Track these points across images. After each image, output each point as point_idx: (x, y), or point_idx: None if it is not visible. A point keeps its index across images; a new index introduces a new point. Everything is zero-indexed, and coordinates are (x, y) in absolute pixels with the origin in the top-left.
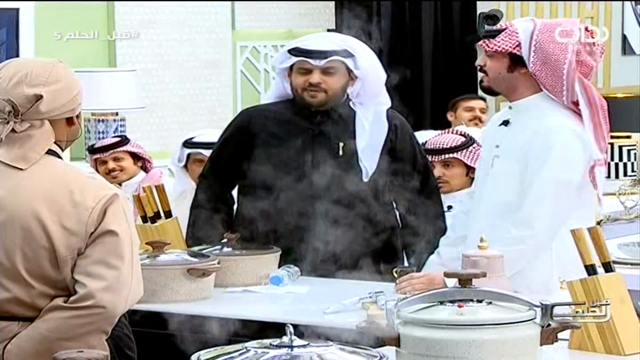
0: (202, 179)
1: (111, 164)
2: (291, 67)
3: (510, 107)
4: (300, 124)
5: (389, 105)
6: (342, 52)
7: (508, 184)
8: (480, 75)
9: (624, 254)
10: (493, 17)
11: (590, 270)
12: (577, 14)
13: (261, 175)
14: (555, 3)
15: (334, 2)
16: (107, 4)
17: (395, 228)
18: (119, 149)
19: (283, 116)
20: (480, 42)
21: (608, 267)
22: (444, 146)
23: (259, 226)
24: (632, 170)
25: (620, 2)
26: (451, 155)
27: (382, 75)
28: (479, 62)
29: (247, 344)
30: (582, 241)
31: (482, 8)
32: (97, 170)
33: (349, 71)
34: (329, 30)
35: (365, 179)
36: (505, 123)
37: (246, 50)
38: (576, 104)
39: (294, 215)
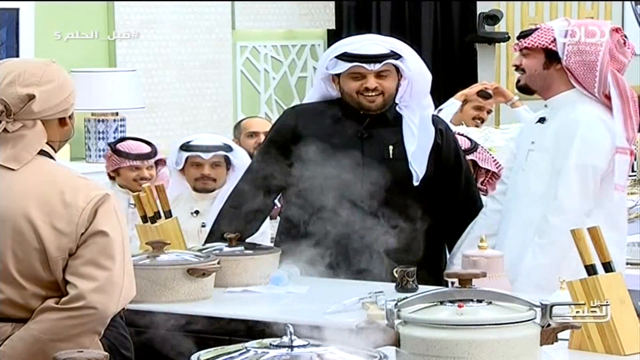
0: (245, 176)
1: (146, 172)
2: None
3: (545, 106)
4: (349, 125)
5: (433, 109)
6: (393, 55)
7: (539, 175)
8: (517, 75)
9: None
10: (493, 17)
11: (590, 270)
12: (577, 14)
13: (308, 176)
14: (555, 3)
15: (334, 2)
16: (107, 4)
17: (442, 231)
18: (155, 158)
19: (331, 116)
20: (514, 44)
21: (608, 267)
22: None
23: (305, 228)
24: (632, 170)
25: (620, 2)
26: (469, 157)
27: (429, 75)
28: (515, 61)
29: (247, 344)
30: (582, 241)
31: (482, 8)
32: (118, 173)
33: (398, 73)
34: (329, 31)
35: (415, 183)
36: (542, 120)
37: (246, 50)
38: (607, 97)
39: (342, 218)
